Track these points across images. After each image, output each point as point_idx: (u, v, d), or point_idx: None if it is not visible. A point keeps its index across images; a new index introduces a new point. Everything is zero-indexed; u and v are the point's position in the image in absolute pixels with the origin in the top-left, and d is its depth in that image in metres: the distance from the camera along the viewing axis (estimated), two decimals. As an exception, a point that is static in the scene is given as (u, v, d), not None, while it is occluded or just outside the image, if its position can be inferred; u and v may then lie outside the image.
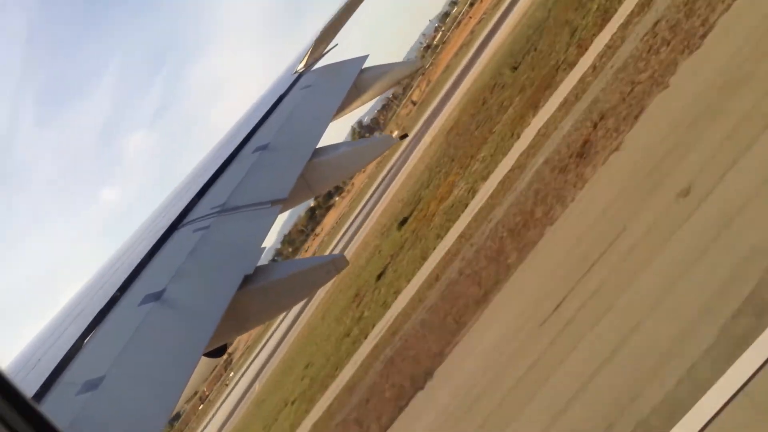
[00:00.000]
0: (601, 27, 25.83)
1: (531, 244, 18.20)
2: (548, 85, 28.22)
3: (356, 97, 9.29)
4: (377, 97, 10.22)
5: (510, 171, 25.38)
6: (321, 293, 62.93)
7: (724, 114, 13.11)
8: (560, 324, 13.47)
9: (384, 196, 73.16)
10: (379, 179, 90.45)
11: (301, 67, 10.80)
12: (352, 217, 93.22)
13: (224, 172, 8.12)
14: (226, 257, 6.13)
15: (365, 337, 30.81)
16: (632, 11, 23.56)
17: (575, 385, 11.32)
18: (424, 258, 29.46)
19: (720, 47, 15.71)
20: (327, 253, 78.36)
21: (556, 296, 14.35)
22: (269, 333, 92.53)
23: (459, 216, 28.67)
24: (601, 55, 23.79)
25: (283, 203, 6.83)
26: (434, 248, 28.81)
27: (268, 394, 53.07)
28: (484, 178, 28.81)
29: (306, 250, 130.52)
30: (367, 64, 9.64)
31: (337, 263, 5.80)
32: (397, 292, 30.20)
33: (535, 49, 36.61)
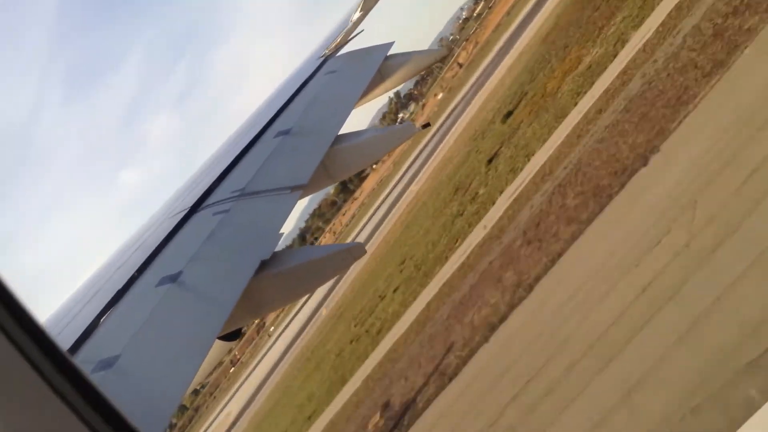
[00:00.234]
0: None
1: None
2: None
3: (380, 83, 9.22)
4: (401, 85, 10.14)
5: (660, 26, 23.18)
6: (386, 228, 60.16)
7: None
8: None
9: (458, 121, 67.54)
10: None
11: (331, 48, 10.74)
12: (412, 157, 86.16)
13: (245, 157, 8.12)
14: (243, 242, 6.13)
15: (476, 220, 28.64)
16: None
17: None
18: (562, 116, 27.10)
19: None
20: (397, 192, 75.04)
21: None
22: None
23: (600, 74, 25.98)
24: None
25: (303, 189, 6.81)
26: (574, 105, 26.71)
27: (344, 308, 48.96)
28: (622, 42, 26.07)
29: (344, 213, 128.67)
30: (392, 51, 9.56)
31: (354, 251, 5.77)
32: (529, 155, 27.84)
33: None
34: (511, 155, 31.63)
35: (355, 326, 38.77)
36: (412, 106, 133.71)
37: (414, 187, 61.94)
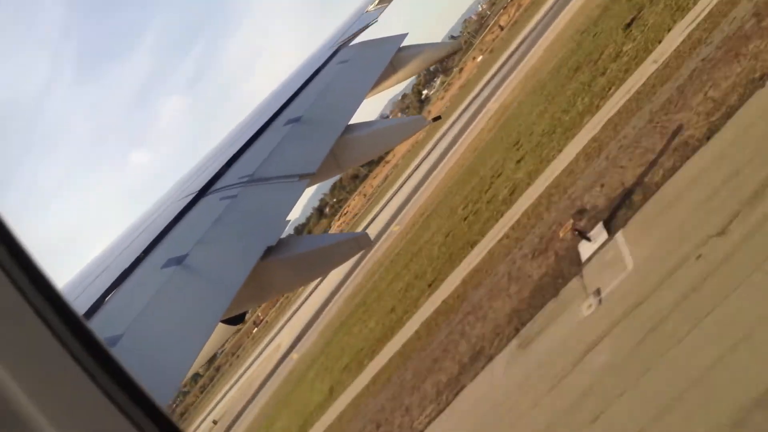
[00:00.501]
0: None
1: None
2: None
3: (392, 74, 9.20)
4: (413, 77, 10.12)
5: None
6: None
7: None
8: None
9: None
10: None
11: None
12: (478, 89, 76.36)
13: (255, 143, 8.12)
14: (250, 227, 6.15)
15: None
16: None
17: None
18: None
19: None
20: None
21: None
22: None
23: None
24: None
25: (311, 178, 6.81)
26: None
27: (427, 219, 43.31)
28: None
29: (374, 177, 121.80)
30: (405, 43, 9.54)
31: (360, 241, 5.78)
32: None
33: None
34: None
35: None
36: (437, 82, 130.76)
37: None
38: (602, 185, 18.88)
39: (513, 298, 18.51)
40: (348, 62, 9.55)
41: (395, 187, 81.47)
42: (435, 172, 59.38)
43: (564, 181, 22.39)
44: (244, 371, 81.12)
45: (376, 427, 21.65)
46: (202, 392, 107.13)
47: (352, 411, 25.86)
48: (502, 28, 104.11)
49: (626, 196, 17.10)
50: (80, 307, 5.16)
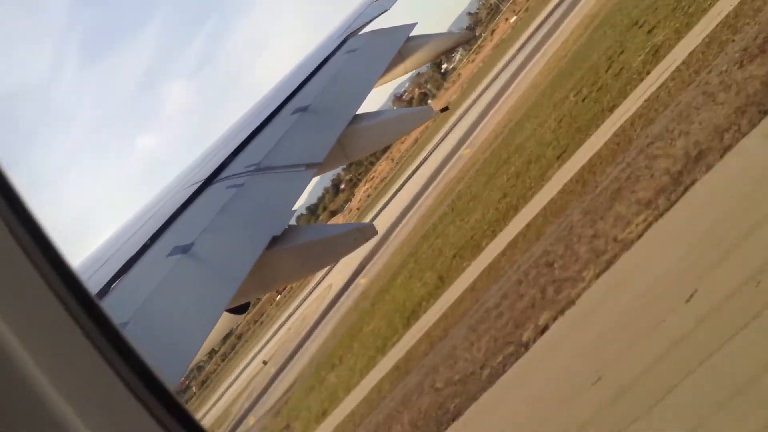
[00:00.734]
0: None
1: None
2: None
3: (400, 64, 9.16)
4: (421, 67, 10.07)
5: None
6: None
7: None
8: None
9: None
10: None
11: (354, 27, 10.67)
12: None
13: (262, 132, 8.11)
14: (256, 216, 6.15)
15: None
16: None
17: None
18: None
19: None
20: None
21: None
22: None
23: None
24: None
25: (318, 167, 6.80)
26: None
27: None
28: None
29: (402, 141, 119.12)
30: (414, 33, 9.48)
31: (365, 231, 5.77)
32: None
33: None
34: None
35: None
36: (457, 55, 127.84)
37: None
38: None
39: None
40: (356, 51, 9.51)
41: (445, 129, 73.58)
42: (507, 92, 51.71)
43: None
44: (289, 315, 76.08)
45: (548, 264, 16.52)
46: (223, 360, 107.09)
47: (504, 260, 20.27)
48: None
49: None
50: None
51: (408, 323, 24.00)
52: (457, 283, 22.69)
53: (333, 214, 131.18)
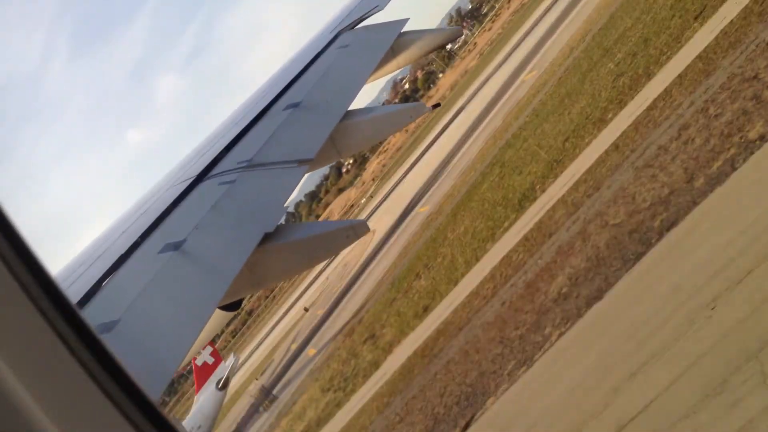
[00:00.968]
0: None
1: None
2: None
3: (392, 60, 9.14)
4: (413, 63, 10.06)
5: None
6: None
7: None
8: None
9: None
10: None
11: (346, 22, 10.62)
12: None
13: (254, 128, 8.08)
14: (248, 213, 6.13)
15: None
16: None
17: None
18: None
19: None
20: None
21: None
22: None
23: None
24: None
25: (310, 164, 6.79)
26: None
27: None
28: None
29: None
30: (406, 28, 9.46)
31: (357, 229, 5.77)
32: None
33: None
34: None
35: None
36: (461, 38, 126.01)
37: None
38: None
39: None
40: (348, 47, 9.48)
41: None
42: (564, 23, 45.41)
43: None
44: (323, 269, 70.04)
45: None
46: (233, 336, 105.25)
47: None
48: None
49: None
50: (77, 291, 5.14)
51: (520, 206, 21.52)
52: (585, 155, 19.74)
53: (341, 190, 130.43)
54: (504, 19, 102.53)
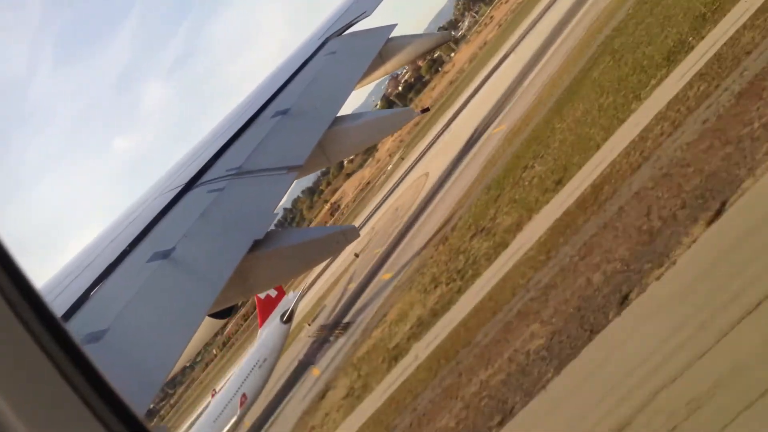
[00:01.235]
0: None
1: None
2: None
3: (380, 66, 9.16)
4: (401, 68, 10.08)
5: None
6: None
7: None
8: None
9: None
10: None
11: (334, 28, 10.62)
12: None
13: (243, 135, 8.07)
14: (237, 221, 6.11)
15: None
16: None
17: None
18: None
19: None
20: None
21: None
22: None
23: None
24: None
25: (299, 170, 6.79)
26: None
27: None
28: None
29: (432, 88, 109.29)
30: (394, 33, 9.49)
31: (347, 234, 5.77)
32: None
33: None
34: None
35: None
36: (466, 21, 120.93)
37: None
38: None
39: None
40: (336, 53, 9.50)
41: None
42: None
43: None
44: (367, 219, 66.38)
45: None
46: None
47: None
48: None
49: None
50: (66, 301, 5.11)
51: (667, 61, 19.41)
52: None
53: (349, 175, 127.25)
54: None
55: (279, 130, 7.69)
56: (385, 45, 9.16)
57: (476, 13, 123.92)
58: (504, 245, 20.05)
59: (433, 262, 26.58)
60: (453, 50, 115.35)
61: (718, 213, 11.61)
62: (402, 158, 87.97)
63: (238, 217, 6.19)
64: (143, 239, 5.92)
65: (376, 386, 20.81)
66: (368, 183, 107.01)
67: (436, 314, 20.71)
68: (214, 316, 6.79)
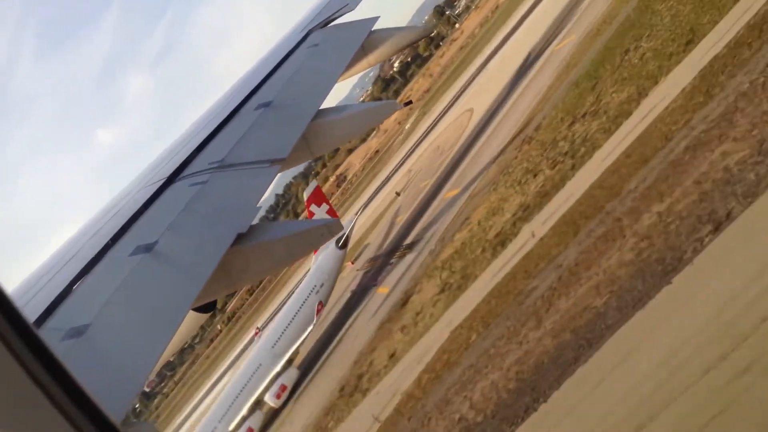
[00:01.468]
0: None
1: None
2: None
3: (363, 58, 9.15)
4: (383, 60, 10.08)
5: None
6: None
7: None
8: None
9: None
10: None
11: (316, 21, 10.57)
12: None
13: (225, 128, 8.03)
14: (220, 214, 6.09)
15: None
16: None
17: None
18: None
19: None
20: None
21: None
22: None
23: None
24: None
25: (282, 163, 6.77)
26: None
27: None
28: None
29: (441, 56, 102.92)
30: (376, 26, 9.48)
31: (331, 228, 5.78)
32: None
33: None
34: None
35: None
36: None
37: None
38: None
39: None
40: (319, 46, 9.47)
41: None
42: None
43: None
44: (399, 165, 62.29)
45: None
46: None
47: None
48: None
49: None
50: (47, 296, 5.07)
51: None
52: None
53: (350, 151, 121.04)
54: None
55: (262, 122, 7.66)
56: (367, 37, 9.15)
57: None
58: (625, 114, 17.95)
59: (518, 162, 24.41)
60: (456, 23, 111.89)
61: None
62: (424, 113, 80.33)
63: (221, 210, 6.17)
64: (126, 233, 5.89)
65: (480, 273, 19.01)
66: (377, 152, 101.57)
67: (545, 194, 18.93)
68: (198, 310, 6.77)
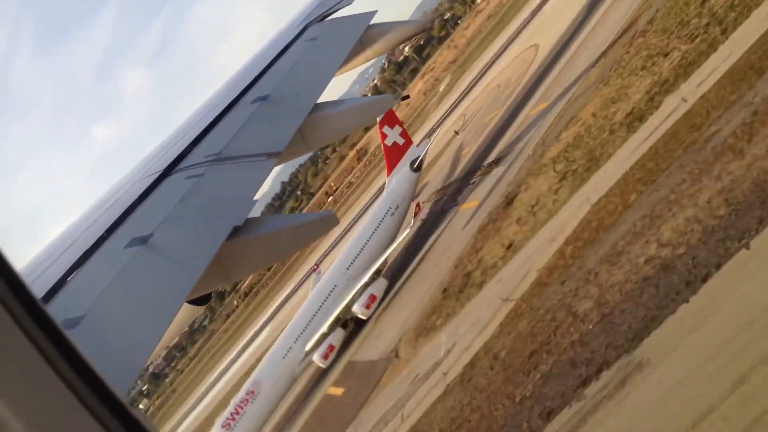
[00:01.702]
0: None
1: None
2: None
3: (360, 52, 9.14)
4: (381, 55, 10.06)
5: None
6: None
7: None
8: None
9: None
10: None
11: (314, 15, 10.53)
12: None
13: (222, 121, 8.01)
14: (216, 207, 6.09)
15: None
16: None
17: None
18: None
19: None
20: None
21: None
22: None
23: None
24: None
25: (279, 157, 6.77)
26: None
27: None
28: None
29: (466, 27, 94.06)
30: (374, 21, 9.46)
31: (327, 221, 5.78)
32: None
33: None
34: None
35: None
36: None
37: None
38: None
39: None
40: (317, 39, 9.44)
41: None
42: None
43: None
44: (453, 107, 57.40)
45: None
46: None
47: None
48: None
49: None
50: (42, 287, 5.06)
51: None
52: None
53: (367, 129, 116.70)
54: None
55: (258, 116, 7.65)
56: (365, 32, 9.13)
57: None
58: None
59: (631, 55, 22.80)
60: (473, 2, 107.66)
61: None
62: (464, 71, 72.45)
63: (217, 203, 6.17)
64: (121, 225, 5.88)
65: (615, 151, 17.70)
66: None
67: (690, 64, 17.58)
68: (193, 302, 6.77)
